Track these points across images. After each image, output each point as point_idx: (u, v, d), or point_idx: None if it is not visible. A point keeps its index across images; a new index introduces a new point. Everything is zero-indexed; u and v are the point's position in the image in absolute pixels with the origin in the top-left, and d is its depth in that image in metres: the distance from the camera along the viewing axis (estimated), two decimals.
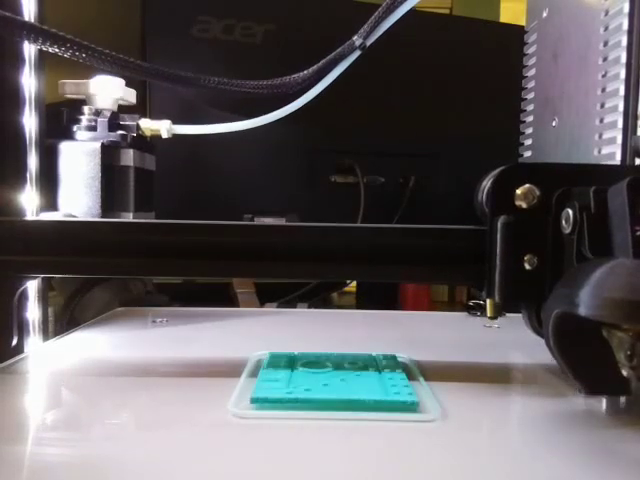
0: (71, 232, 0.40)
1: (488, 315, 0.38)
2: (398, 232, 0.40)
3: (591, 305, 0.26)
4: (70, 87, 0.53)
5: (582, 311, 0.26)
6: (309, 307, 0.85)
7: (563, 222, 0.34)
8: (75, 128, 0.51)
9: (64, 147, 0.50)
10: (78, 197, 0.50)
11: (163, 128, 0.54)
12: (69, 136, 0.51)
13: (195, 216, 0.82)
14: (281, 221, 0.82)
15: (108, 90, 0.53)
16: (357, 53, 0.54)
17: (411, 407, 0.32)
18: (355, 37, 0.54)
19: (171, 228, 0.39)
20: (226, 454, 0.28)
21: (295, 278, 0.42)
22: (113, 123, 0.52)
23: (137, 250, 0.39)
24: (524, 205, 0.34)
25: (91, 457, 0.27)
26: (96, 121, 0.51)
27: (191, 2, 0.82)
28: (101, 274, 0.41)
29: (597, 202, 0.32)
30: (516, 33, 0.78)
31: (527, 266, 0.34)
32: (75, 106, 0.53)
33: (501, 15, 1.45)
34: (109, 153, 0.50)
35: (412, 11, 1.15)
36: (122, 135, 0.51)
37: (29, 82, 0.48)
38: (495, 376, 0.43)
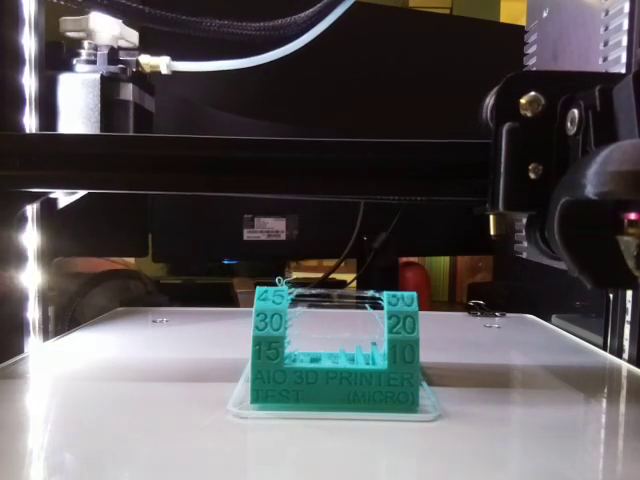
0: (71, 145, 0.39)
1: (491, 233, 0.37)
2: (399, 146, 0.38)
3: (597, 182, 0.25)
4: (70, 24, 0.52)
5: (589, 191, 0.26)
6: (309, 307, 0.85)
7: (568, 124, 0.33)
8: (75, 61, 0.51)
9: (63, 78, 0.50)
10: (77, 130, 0.50)
11: (162, 63, 0.53)
12: (68, 69, 0.51)
13: (196, 216, 0.82)
14: (281, 221, 0.82)
15: (108, 27, 0.52)
16: None
17: (411, 407, 0.32)
18: None
19: (170, 142, 0.38)
20: (226, 454, 0.28)
21: (297, 194, 0.40)
22: (112, 58, 0.51)
23: (135, 164, 0.38)
24: (529, 114, 0.34)
25: (91, 457, 0.27)
26: (95, 55, 0.51)
27: (191, 2, 0.82)
28: (99, 188, 0.40)
29: (602, 100, 0.31)
30: (516, 33, 0.78)
31: (532, 175, 0.33)
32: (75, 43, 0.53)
33: (501, 15, 1.44)
34: (108, 85, 0.50)
35: (412, 11, 1.15)
36: (122, 68, 0.51)
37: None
38: (495, 376, 0.43)
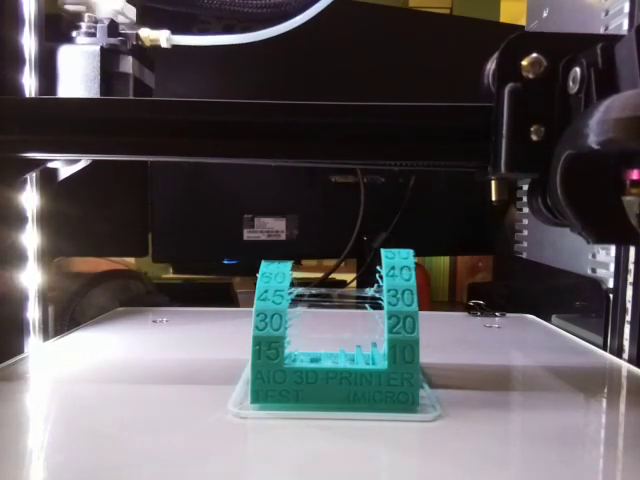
0: (70, 110, 0.38)
1: (493, 198, 0.37)
2: (399, 110, 0.38)
3: (599, 130, 0.25)
4: None
5: (592, 140, 0.25)
6: (309, 307, 0.85)
7: (570, 82, 0.33)
8: (75, 34, 0.51)
9: (63, 50, 0.50)
10: None
11: (162, 37, 0.53)
12: (68, 41, 0.50)
13: (196, 216, 0.82)
14: (281, 221, 0.82)
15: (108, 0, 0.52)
16: None
17: (411, 406, 0.32)
18: None
19: (170, 106, 0.38)
20: (226, 454, 0.28)
21: (298, 158, 0.40)
22: (113, 31, 0.51)
23: (136, 129, 0.38)
24: (531, 75, 0.33)
25: (91, 457, 0.27)
26: (95, 28, 0.51)
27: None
28: (100, 153, 0.39)
29: (604, 57, 0.31)
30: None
31: (534, 137, 0.33)
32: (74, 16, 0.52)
33: (501, 15, 1.44)
34: (108, 57, 0.50)
35: (412, 11, 1.15)
36: (121, 41, 0.51)
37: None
38: (495, 376, 0.43)
